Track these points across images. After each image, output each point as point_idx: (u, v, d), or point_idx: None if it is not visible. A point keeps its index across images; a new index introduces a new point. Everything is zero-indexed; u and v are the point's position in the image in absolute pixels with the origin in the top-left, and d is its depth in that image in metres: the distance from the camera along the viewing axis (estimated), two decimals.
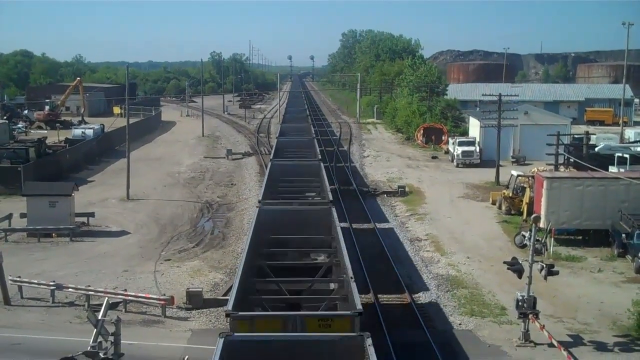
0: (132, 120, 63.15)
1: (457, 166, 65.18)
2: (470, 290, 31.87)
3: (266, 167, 49.08)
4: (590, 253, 37.34)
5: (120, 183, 54.27)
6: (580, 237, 39.28)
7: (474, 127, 71.67)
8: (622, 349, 25.69)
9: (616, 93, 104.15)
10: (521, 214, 43.81)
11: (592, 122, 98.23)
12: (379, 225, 44.00)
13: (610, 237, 37.87)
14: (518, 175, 46.92)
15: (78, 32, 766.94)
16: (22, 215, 42.09)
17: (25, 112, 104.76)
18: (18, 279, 31.21)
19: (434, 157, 71.19)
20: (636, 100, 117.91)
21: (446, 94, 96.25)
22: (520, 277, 26.68)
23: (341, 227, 28.00)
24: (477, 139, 67.49)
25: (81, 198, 47.10)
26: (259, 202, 31.49)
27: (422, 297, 31.13)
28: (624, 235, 36.08)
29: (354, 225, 43.39)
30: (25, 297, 31.01)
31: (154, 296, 29.83)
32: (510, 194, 46.22)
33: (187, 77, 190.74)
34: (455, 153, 66.50)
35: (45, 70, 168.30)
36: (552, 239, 37.16)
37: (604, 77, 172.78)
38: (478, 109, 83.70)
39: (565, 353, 24.53)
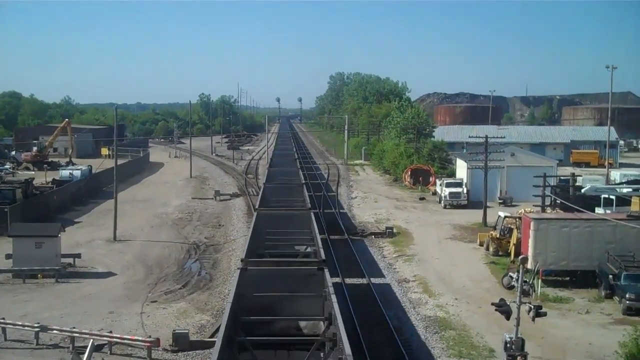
0: (120, 162, 63.18)
1: (445, 207, 65.35)
2: (459, 332, 31.75)
3: (254, 209, 47.09)
4: (577, 294, 37.36)
5: (108, 224, 54.03)
6: (568, 278, 39.37)
7: (461, 169, 72.12)
8: None
9: (601, 135, 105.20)
10: (509, 255, 43.79)
11: (578, 164, 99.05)
12: (368, 269, 43.65)
13: (597, 278, 37.93)
14: (505, 217, 47.07)
15: (67, 73, 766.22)
16: (8, 256, 41.72)
17: (13, 153, 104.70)
18: (2, 320, 30.83)
19: (421, 198, 71.39)
20: (621, 142, 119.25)
21: (433, 136, 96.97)
22: (508, 318, 26.51)
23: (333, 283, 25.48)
24: (465, 180, 67.83)
25: (68, 239, 46.89)
26: (242, 260, 27.86)
27: (410, 339, 30.94)
28: (611, 276, 36.16)
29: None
30: (9, 339, 30.59)
31: (140, 338, 29.53)
32: (498, 235, 46.32)
33: (175, 118, 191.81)
34: (442, 194, 66.71)
35: (33, 111, 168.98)
36: (540, 280, 37.19)
37: (589, 119, 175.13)
38: (465, 150, 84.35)
39: None
